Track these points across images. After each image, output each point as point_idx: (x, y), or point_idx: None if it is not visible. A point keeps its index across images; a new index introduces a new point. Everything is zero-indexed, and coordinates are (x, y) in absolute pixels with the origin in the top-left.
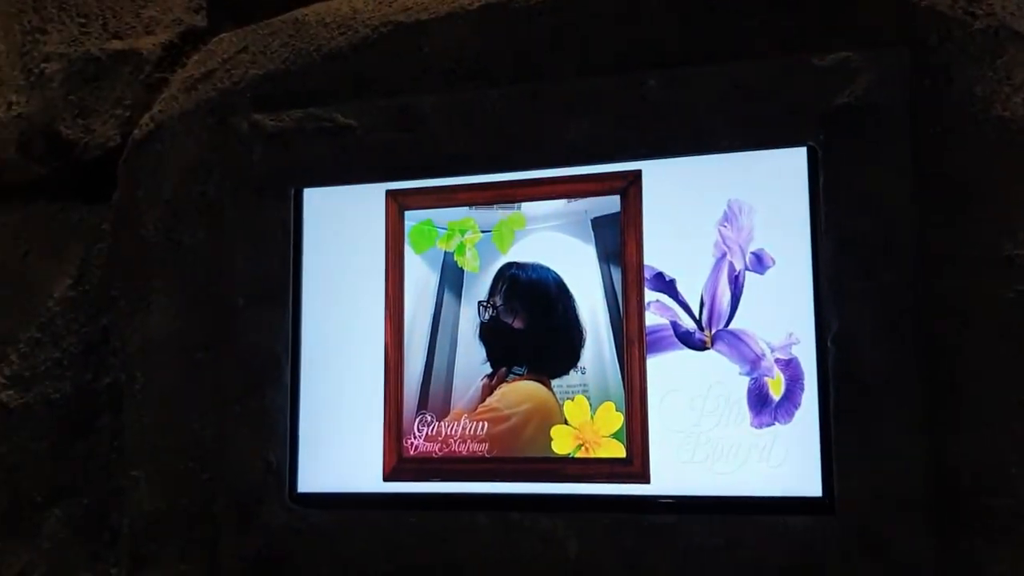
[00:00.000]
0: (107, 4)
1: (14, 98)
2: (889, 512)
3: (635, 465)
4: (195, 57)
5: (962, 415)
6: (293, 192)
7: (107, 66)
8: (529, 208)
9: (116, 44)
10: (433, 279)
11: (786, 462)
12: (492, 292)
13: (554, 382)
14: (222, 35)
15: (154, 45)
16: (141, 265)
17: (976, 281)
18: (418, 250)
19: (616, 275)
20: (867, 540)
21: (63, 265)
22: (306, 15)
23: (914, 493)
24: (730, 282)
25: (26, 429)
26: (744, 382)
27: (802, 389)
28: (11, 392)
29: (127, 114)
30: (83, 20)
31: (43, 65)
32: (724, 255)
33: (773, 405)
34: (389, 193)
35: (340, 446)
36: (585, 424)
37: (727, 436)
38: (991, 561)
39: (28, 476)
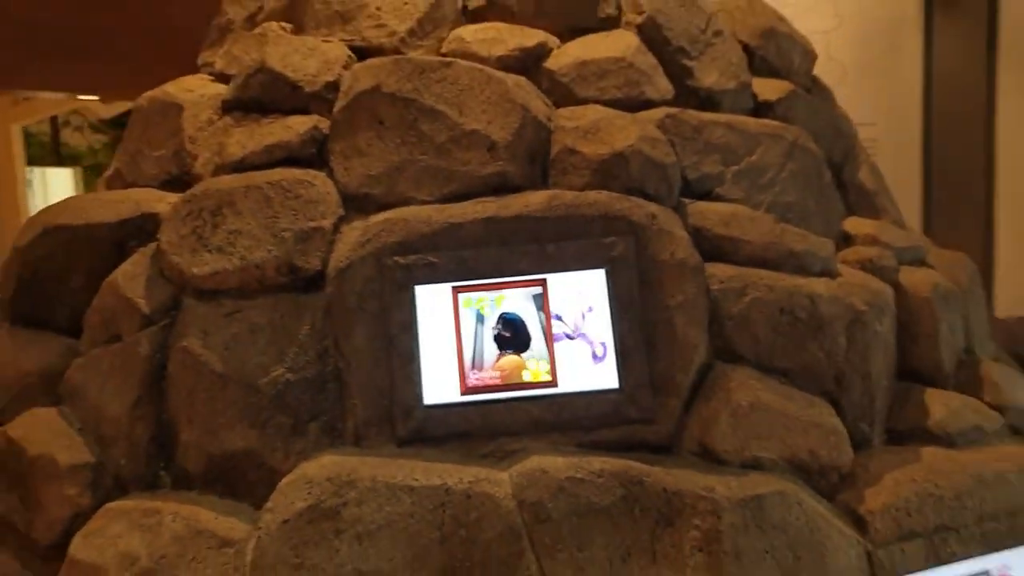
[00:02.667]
0: (301, 204)
1: (271, 248)
2: (641, 392)
3: (553, 381)
4: (355, 233)
5: (659, 352)
6: (413, 288)
7: (310, 234)
8: (507, 291)
9: (311, 224)
10: (473, 318)
11: (606, 376)
12: (496, 323)
13: (523, 355)
14: (367, 221)
15: (329, 225)
16: (347, 318)
17: (656, 320)
18: (466, 306)
19: (542, 316)
20: (636, 404)
21: (301, 320)
22: (406, 217)
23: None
24: (581, 317)
25: (297, 388)
26: (589, 350)
27: (606, 352)
28: (290, 375)
29: (322, 255)
30: (295, 211)
31: (282, 232)
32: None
33: (601, 357)
34: (453, 287)
35: (441, 383)
36: (535, 370)
37: (585, 369)
38: (693, 413)
39: (299, 410)
